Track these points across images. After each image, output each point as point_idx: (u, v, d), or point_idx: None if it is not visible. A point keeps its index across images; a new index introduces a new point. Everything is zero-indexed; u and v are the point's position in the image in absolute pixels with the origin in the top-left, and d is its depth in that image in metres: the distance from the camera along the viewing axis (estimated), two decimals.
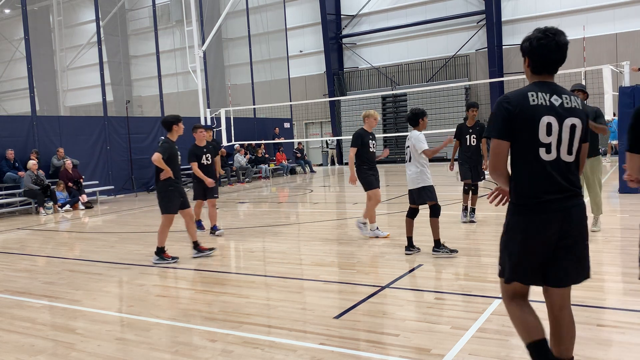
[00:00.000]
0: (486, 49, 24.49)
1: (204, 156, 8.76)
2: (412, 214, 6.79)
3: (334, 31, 28.51)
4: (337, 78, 28.42)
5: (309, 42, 29.19)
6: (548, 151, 2.75)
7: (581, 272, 2.87)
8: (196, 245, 7.39)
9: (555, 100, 2.77)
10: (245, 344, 4.12)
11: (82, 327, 4.74)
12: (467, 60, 25.39)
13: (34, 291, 6.06)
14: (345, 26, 28.59)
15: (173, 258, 7.16)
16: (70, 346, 4.29)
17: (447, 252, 6.52)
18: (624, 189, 11.25)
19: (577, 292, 4.82)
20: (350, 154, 7.80)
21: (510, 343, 3.85)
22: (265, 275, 6.30)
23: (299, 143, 25.23)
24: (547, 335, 2.90)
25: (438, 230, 6.59)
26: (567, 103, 2.78)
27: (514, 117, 2.75)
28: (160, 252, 7.16)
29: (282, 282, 5.95)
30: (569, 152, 2.78)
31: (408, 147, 6.76)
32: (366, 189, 7.86)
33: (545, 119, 2.73)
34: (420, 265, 6.21)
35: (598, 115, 7.32)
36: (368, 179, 7.79)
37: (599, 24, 22.33)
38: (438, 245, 6.59)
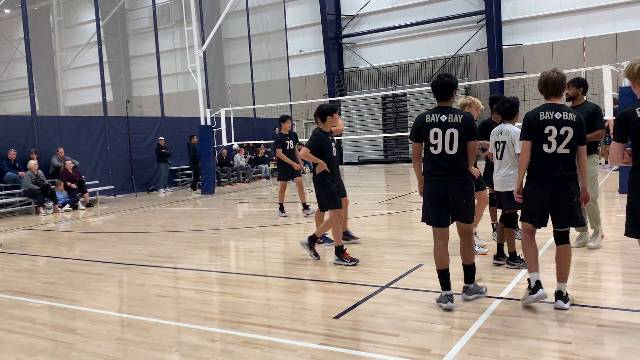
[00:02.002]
0: (486, 49, 24.47)
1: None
2: (511, 221, 5.78)
3: (334, 31, 28.50)
4: (337, 78, 28.40)
5: (309, 42, 29.18)
6: (435, 149, 4.61)
7: (462, 219, 4.68)
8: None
9: (442, 118, 4.60)
10: (245, 344, 4.13)
11: (82, 327, 4.75)
12: (467, 60, 25.37)
13: (34, 291, 6.06)
14: (345, 26, 28.59)
15: (352, 260, 6.43)
16: (70, 346, 4.29)
17: (521, 265, 5.80)
18: (624, 188, 11.27)
19: (577, 292, 4.83)
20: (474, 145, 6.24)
21: (510, 343, 3.85)
22: (265, 275, 6.30)
23: (299, 143, 25.19)
24: None
25: (514, 242, 5.86)
26: (451, 119, 4.58)
27: (419, 127, 4.69)
28: (340, 252, 6.51)
29: (282, 282, 5.96)
30: (451, 149, 4.57)
31: (500, 142, 5.76)
32: (476, 189, 6.35)
33: (433, 130, 4.60)
34: (420, 265, 6.21)
35: (596, 114, 6.19)
36: (478, 179, 6.48)
37: (599, 24, 22.31)
38: (513, 258, 5.87)
